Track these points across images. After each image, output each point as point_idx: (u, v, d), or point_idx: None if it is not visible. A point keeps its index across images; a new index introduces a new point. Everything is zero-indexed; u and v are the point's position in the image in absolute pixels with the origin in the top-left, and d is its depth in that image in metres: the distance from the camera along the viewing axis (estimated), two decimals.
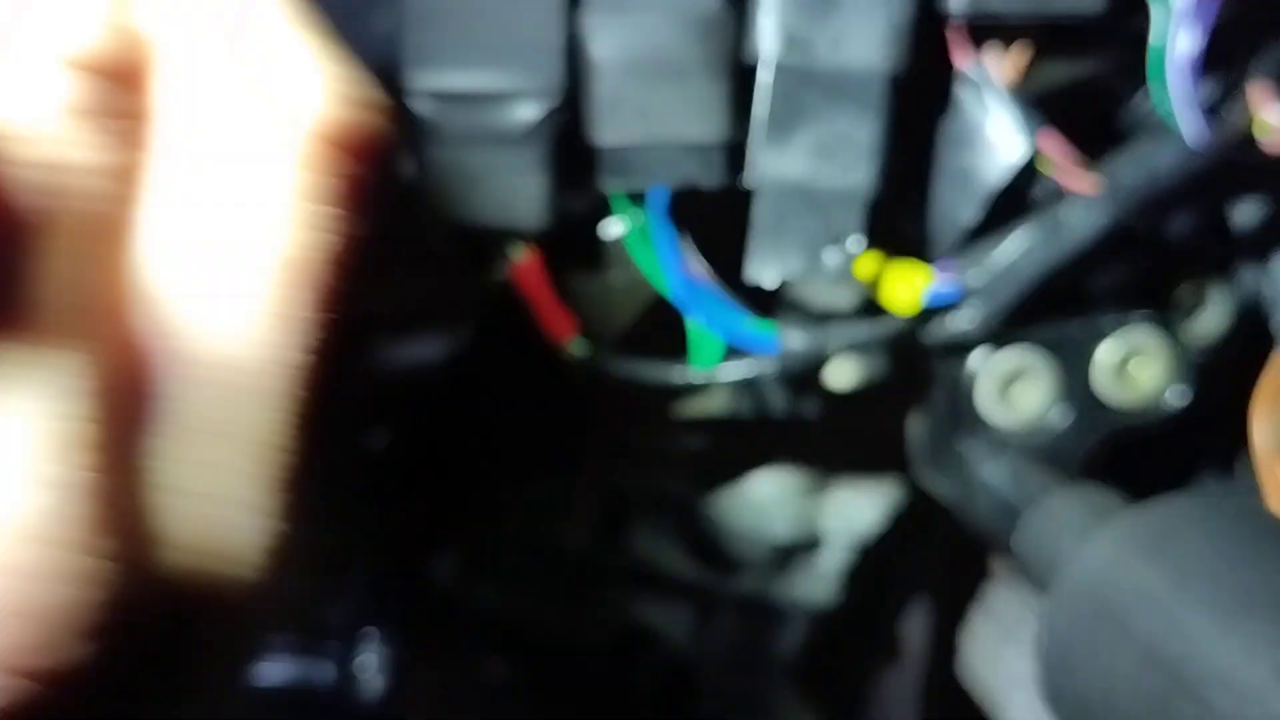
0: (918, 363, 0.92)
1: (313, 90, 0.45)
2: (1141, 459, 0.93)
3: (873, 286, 0.77)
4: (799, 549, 1.17)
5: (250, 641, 0.47)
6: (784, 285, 0.82)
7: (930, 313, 0.81)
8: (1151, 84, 0.78)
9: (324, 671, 0.95)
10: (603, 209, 0.82)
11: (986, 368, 0.85)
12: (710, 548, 1.15)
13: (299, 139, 0.44)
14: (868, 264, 0.75)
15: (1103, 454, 0.87)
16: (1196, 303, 1.00)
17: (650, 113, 0.70)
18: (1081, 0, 0.73)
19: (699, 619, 1.18)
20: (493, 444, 0.95)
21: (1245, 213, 0.97)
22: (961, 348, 0.84)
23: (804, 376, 0.97)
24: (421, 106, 0.71)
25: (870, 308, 0.80)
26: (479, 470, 0.95)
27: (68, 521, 0.37)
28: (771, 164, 0.70)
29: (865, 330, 0.80)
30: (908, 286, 0.77)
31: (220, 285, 0.42)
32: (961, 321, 0.81)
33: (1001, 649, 1.41)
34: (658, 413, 0.98)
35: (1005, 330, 0.83)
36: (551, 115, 0.71)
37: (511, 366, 0.86)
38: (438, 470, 0.95)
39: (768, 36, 0.69)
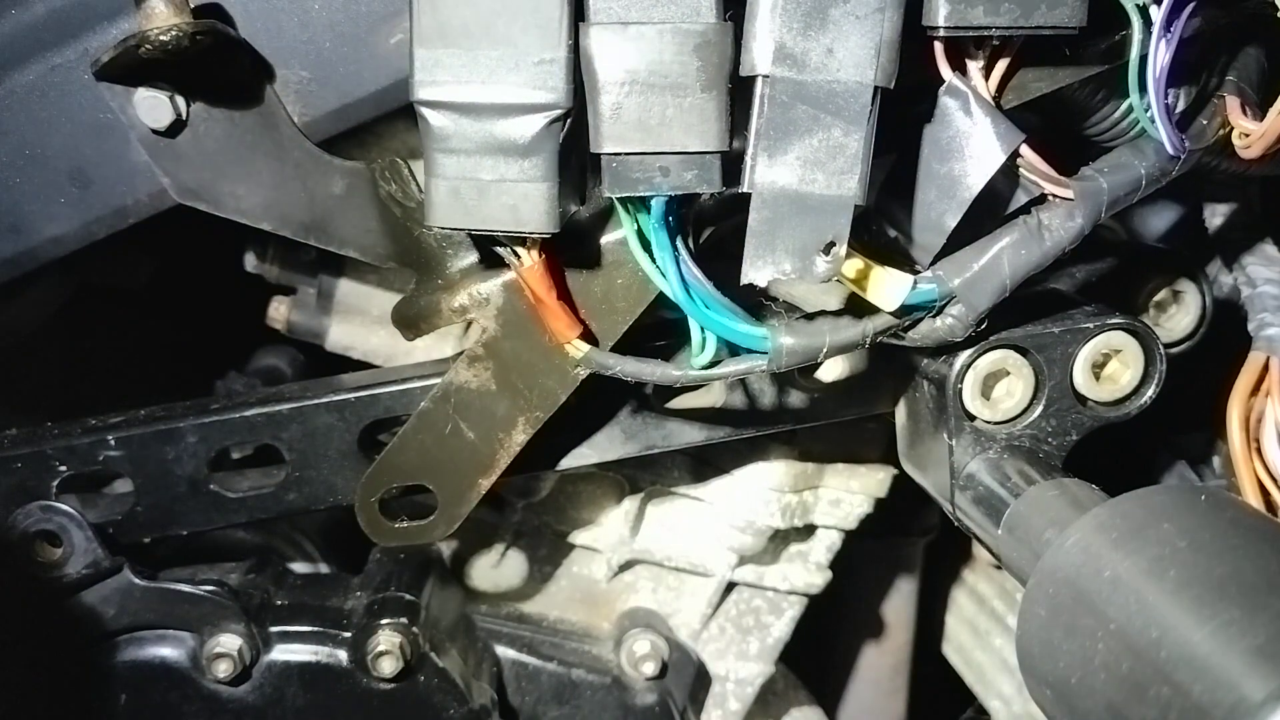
0: (904, 359, 0.94)
1: None
2: (1119, 454, 0.95)
3: (861, 288, 0.78)
4: (792, 536, 1.19)
5: None
6: (776, 286, 0.83)
7: (917, 313, 0.82)
8: (1131, 94, 0.80)
9: (338, 654, 0.97)
10: (605, 214, 0.85)
11: (970, 367, 0.86)
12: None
13: None
14: (855, 266, 0.76)
15: (1082, 449, 0.89)
16: (1172, 303, 1.03)
17: (650, 123, 0.72)
18: (1062, 14, 0.74)
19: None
20: None
21: (1219, 218, 0.99)
22: (946, 347, 0.86)
23: (796, 372, 0.99)
24: (432, 117, 0.73)
25: (859, 308, 0.82)
26: None
27: None
28: (765, 172, 0.71)
29: (854, 330, 0.81)
30: (894, 288, 0.78)
31: None
32: (946, 321, 0.83)
33: (986, 635, 1.43)
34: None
35: (989, 331, 0.85)
36: (556, 125, 0.73)
37: None
38: None
39: (762, 50, 0.70)
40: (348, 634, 0.96)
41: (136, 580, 0.95)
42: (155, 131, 0.84)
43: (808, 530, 1.18)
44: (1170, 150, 0.81)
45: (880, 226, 0.83)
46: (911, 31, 0.72)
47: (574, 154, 0.76)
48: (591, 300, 0.86)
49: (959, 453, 0.88)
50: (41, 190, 0.88)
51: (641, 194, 0.74)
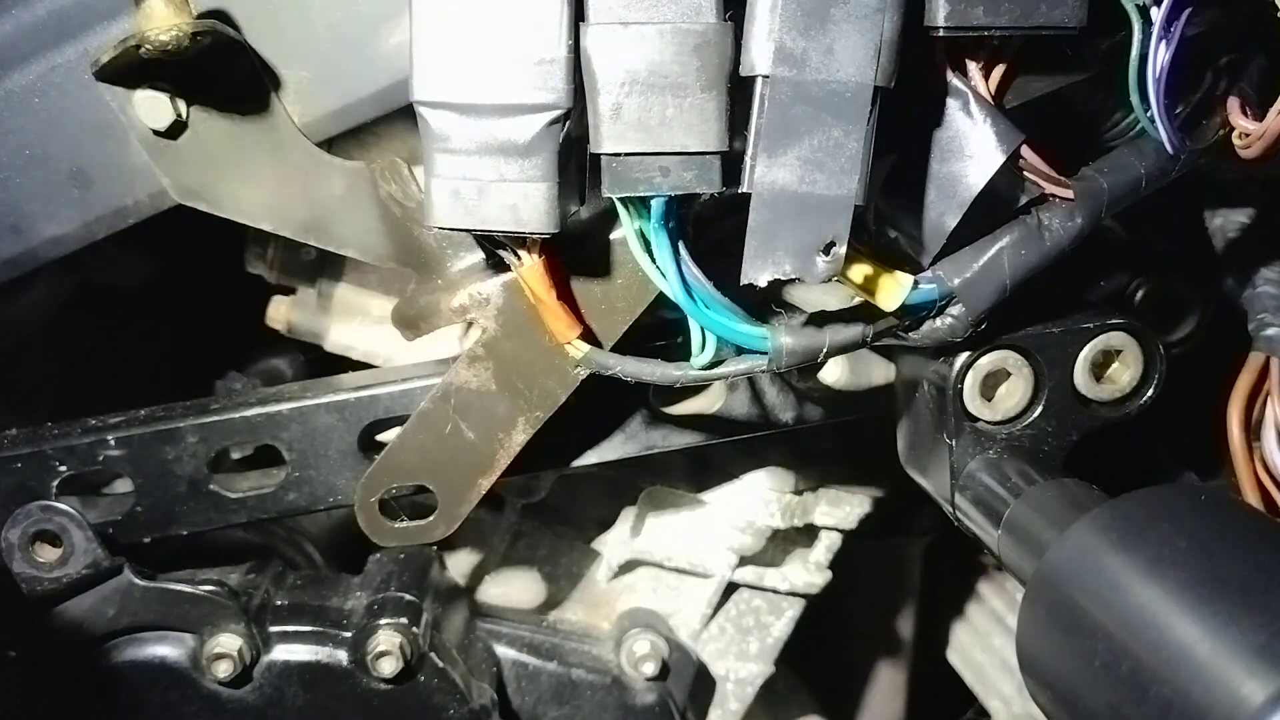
0: (904, 359, 0.94)
1: None
2: (1120, 454, 0.95)
3: (861, 288, 0.78)
4: (792, 536, 1.19)
5: None
6: (777, 287, 0.84)
7: (917, 313, 0.82)
8: (1131, 94, 0.79)
9: (338, 654, 0.97)
10: (606, 214, 0.85)
11: (970, 367, 0.86)
12: None
13: None
14: (855, 266, 0.76)
15: (1082, 449, 0.89)
16: (1173, 305, 1.03)
17: (650, 123, 0.72)
18: (1062, 14, 0.74)
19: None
20: None
21: (1219, 218, 0.99)
22: (946, 347, 0.86)
23: (796, 373, 0.99)
24: (432, 117, 0.73)
25: (859, 309, 0.82)
26: None
27: None
28: (765, 172, 0.71)
29: (854, 330, 0.81)
30: (894, 288, 0.78)
31: None
32: (946, 321, 0.83)
33: (986, 635, 1.43)
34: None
35: (989, 332, 0.85)
36: (556, 125, 0.73)
37: None
38: None
39: (762, 50, 0.70)
40: (348, 634, 0.96)
41: (136, 580, 0.95)
42: (155, 132, 0.84)
43: (808, 530, 1.18)
44: (1170, 150, 0.81)
45: (880, 227, 0.83)
46: (911, 31, 0.72)
47: (574, 154, 0.76)
48: (591, 300, 0.86)
49: (959, 453, 0.88)
50: (42, 190, 0.88)
51: (641, 194, 0.74)
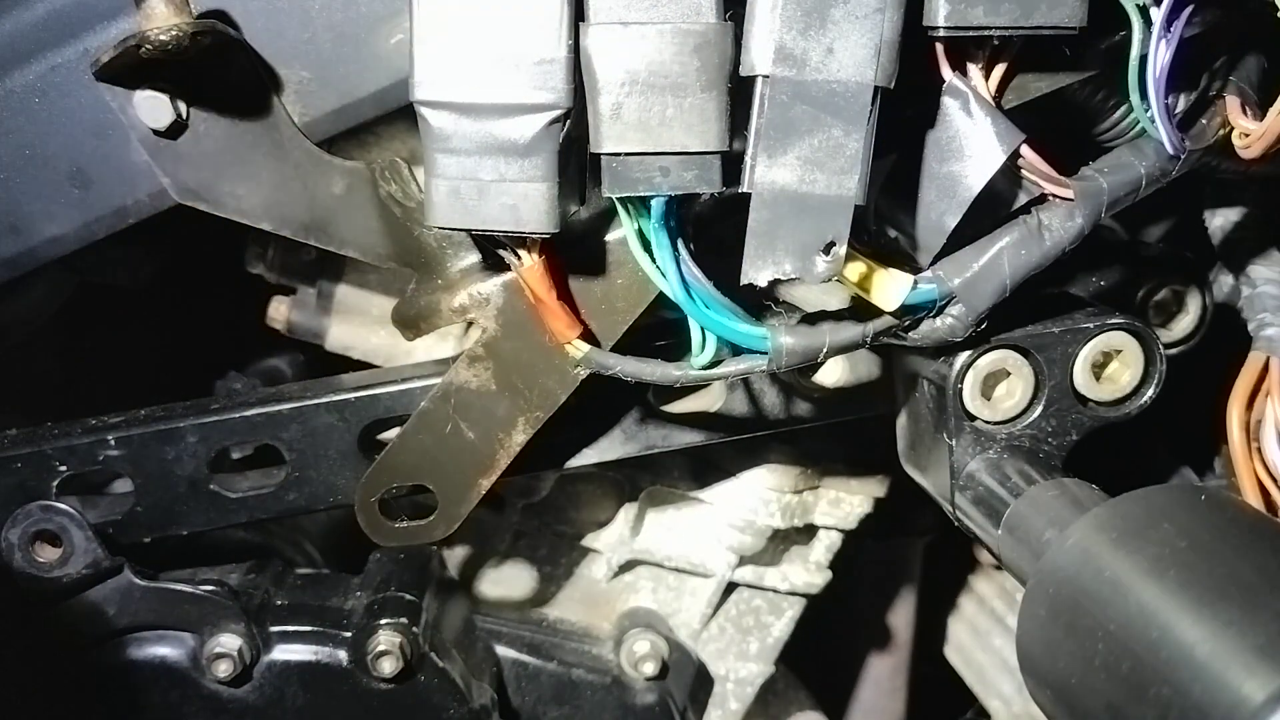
0: (904, 359, 0.94)
1: None
2: (1120, 454, 0.95)
3: (861, 288, 0.78)
4: (792, 536, 1.19)
5: None
6: (777, 286, 0.84)
7: (917, 313, 0.82)
8: (1131, 94, 0.80)
9: (338, 654, 0.97)
10: (606, 214, 0.85)
11: (970, 367, 0.86)
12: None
13: None
14: (856, 266, 0.76)
15: (1082, 449, 0.89)
16: (1173, 304, 1.03)
17: (650, 123, 0.72)
18: (1062, 14, 0.74)
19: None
20: None
21: (1219, 218, 0.99)
22: (946, 347, 0.86)
23: (796, 373, 0.99)
24: (432, 117, 0.73)
25: (859, 308, 0.81)
26: None
27: None
28: (765, 172, 0.71)
29: (854, 330, 0.81)
30: (894, 288, 0.78)
31: None
32: (946, 321, 0.83)
33: (986, 635, 1.43)
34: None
35: (989, 331, 0.85)
36: (556, 125, 0.73)
37: None
38: None
39: (762, 50, 0.70)
40: (348, 634, 0.96)
41: (136, 580, 0.95)
42: (155, 132, 0.84)
43: (808, 530, 1.19)
44: (1170, 150, 0.81)
45: (880, 227, 0.83)
46: (911, 31, 0.72)
47: (574, 154, 0.76)
48: (591, 300, 0.86)
49: (959, 453, 0.88)
50: (41, 190, 0.88)
51: (641, 194, 0.74)
